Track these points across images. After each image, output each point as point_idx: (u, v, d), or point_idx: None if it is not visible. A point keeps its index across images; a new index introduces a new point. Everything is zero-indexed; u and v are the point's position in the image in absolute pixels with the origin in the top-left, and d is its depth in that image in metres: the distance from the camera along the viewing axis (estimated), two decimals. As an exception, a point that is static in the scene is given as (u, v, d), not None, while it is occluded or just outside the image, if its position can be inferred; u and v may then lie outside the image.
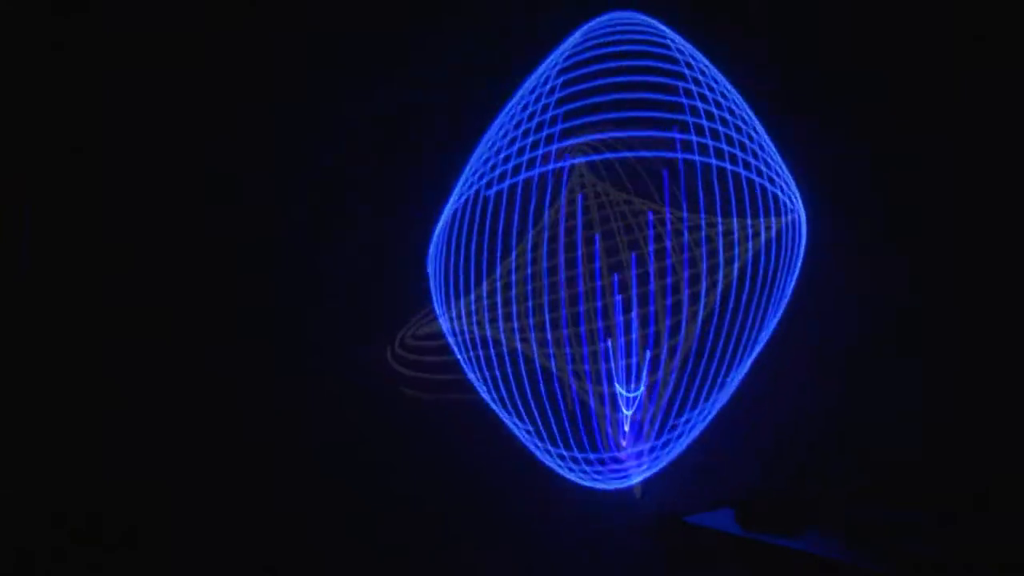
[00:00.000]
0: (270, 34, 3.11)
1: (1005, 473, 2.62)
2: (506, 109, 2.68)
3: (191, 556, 2.94)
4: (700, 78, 2.50)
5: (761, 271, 2.54)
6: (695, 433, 2.68)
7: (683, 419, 2.59)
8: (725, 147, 2.42)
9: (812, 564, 2.33)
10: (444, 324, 2.72)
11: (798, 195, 2.66)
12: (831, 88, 3.03)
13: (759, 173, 2.48)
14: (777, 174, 2.55)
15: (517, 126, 2.53)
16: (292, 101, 3.11)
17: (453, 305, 2.63)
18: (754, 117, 2.62)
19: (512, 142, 2.49)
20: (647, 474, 2.72)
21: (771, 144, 2.63)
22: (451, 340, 2.73)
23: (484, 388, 2.68)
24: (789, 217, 2.58)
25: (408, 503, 3.04)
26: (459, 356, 2.73)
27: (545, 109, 2.45)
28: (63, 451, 2.91)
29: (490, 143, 2.62)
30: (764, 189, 2.49)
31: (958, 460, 2.74)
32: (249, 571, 2.99)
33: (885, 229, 3.04)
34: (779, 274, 2.57)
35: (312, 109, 3.11)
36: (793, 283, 2.70)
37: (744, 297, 2.52)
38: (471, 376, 2.73)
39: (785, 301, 2.69)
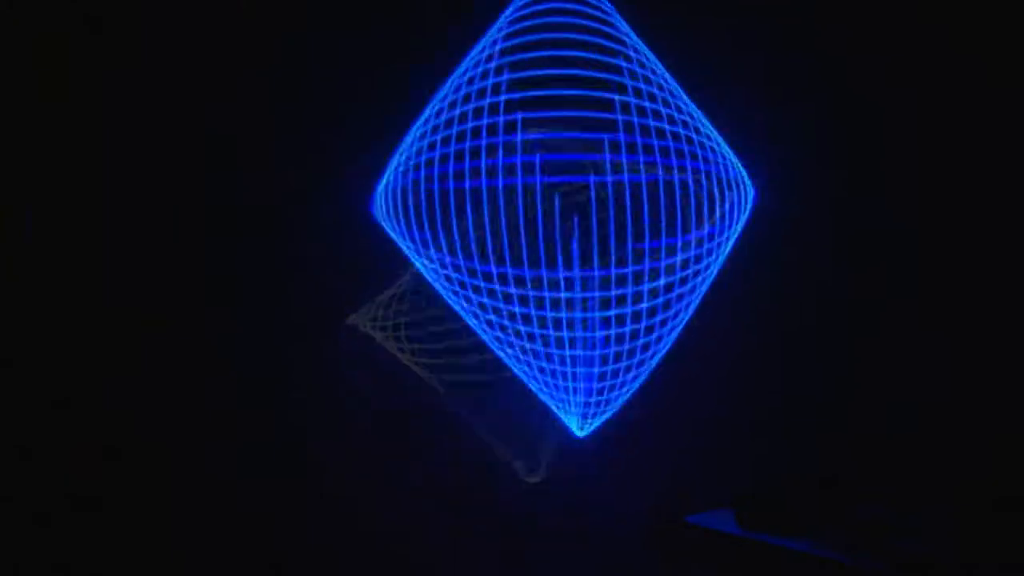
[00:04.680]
0: (270, 34, 3.11)
1: (1005, 473, 2.62)
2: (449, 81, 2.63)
3: (191, 556, 2.94)
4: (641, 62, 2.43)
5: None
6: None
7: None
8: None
9: (812, 564, 2.33)
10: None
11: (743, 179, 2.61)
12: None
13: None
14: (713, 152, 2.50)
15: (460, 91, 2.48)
16: (292, 101, 3.11)
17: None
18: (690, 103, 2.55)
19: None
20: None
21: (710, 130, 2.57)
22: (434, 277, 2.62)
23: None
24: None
25: (407, 502, 3.05)
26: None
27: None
28: (63, 451, 2.91)
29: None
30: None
31: (958, 459, 2.74)
32: (249, 571, 2.99)
33: (883, 223, 3.03)
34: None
35: (312, 106, 3.11)
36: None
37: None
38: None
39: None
